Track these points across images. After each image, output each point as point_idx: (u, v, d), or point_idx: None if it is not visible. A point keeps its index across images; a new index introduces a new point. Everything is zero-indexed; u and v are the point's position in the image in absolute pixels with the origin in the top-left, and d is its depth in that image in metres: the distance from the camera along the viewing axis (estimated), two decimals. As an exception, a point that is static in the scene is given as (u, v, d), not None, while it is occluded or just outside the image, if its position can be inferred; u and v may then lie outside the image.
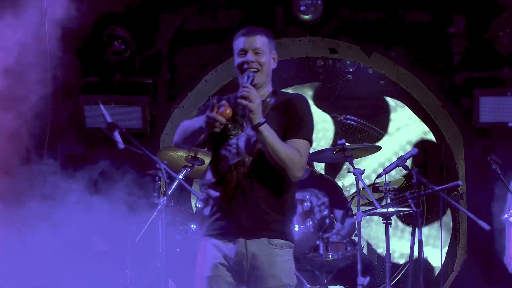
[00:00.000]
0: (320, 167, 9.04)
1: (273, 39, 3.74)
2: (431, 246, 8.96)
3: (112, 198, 6.41)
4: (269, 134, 3.45)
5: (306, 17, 7.18)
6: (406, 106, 9.02)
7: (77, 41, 6.92)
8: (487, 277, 6.77)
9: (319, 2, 7.13)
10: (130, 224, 6.10)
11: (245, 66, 3.59)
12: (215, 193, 3.56)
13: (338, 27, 7.33)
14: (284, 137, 3.54)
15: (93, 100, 5.91)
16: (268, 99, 3.65)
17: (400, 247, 9.08)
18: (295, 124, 3.57)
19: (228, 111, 3.42)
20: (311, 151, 4.40)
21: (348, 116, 9.43)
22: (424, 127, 8.98)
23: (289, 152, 3.49)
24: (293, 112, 3.59)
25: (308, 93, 9.31)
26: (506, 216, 5.27)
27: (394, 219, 8.14)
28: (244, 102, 3.41)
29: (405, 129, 9.42)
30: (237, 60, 3.64)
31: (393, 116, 9.44)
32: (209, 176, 3.56)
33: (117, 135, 5.05)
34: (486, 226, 4.84)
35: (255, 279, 3.54)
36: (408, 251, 5.53)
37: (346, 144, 5.84)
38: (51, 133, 6.77)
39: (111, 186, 6.81)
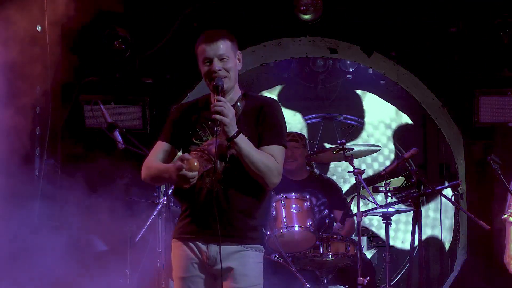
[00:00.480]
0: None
1: (235, 39, 3.70)
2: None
3: (112, 198, 6.41)
4: (245, 144, 3.46)
5: (306, 17, 7.18)
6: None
7: (77, 41, 6.91)
8: (487, 277, 6.77)
9: (319, 2, 7.13)
10: (130, 224, 6.10)
11: (213, 74, 3.57)
12: (187, 199, 3.57)
13: (338, 27, 7.33)
14: (258, 142, 3.55)
15: (93, 100, 5.91)
16: (238, 103, 3.63)
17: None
18: (269, 130, 3.57)
19: (195, 164, 3.37)
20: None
21: (348, 116, 9.44)
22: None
23: (265, 160, 3.49)
24: (266, 119, 3.58)
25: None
26: (506, 216, 5.28)
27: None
28: (218, 117, 3.40)
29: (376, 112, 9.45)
30: (204, 68, 3.62)
31: (365, 103, 9.47)
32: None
33: (117, 135, 5.05)
34: (486, 226, 4.84)
35: (228, 279, 3.54)
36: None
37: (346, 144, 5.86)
38: (51, 133, 6.77)
39: (111, 186, 6.81)
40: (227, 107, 3.43)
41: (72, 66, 6.77)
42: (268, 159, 3.50)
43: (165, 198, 5.56)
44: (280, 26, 7.32)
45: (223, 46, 3.59)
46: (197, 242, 3.56)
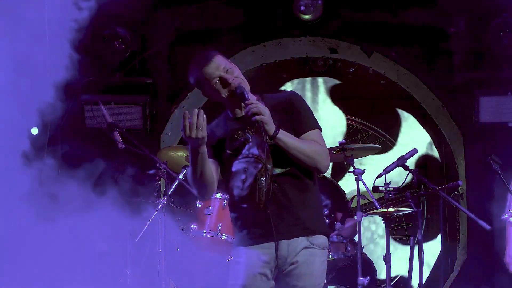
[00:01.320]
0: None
1: (220, 52, 3.66)
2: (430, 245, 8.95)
3: (112, 198, 6.41)
4: (288, 138, 3.47)
5: (306, 17, 7.19)
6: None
7: (77, 41, 6.91)
8: (487, 277, 6.77)
9: (319, 2, 7.13)
10: (130, 224, 6.10)
11: (231, 86, 3.53)
12: (246, 205, 3.52)
13: (338, 27, 7.33)
14: (294, 134, 3.54)
15: (93, 100, 5.92)
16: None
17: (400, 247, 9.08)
18: (303, 118, 3.57)
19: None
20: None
21: (348, 116, 9.43)
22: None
23: (312, 146, 3.50)
24: (295, 109, 3.58)
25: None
26: (506, 216, 5.28)
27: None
28: (258, 117, 3.39)
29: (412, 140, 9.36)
30: (218, 88, 3.56)
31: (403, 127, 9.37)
32: (236, 192, 3.51)
33: (117, 135, 5.05)
34: (486, 226, 4.84)
35: (291, 276, 3.52)
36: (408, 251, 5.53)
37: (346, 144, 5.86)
38: (51, 133, 6.78)
39: (111, 186, 6.81)
40: (262, 107, 3.42)
41: (72, 66, 6.77)
42: (314, 145, 3.51)
43: (165, 198, 5.56)
44: (280, 26, 7.33)
45: (220, 60, 3.58)
46: (264, 245, 3.52)
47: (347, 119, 9.42)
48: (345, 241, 5.81)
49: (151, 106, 7.25)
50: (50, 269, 5.88)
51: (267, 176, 3.44)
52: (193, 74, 3.61)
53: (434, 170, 9.05)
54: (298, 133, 3.55)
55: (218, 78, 3.55)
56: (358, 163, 7.61)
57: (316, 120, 3.64)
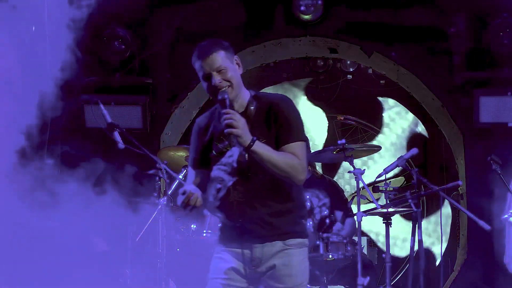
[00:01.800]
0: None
1: (229, 46, 3.64)
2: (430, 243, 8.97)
3: (112, 198, 6.41)
4: (263, 150, 3.44)
5: (306, 17, 7.18)
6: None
7: (77, 41, 6.91)
8: (487, 277, 6.77)
9: (319, 2, 7.13)
10: (130, 224, 6.10)
11: (215, 89, 3.53)
12: (221, 214, 3.56)
13: (338, 27, 7.33)
14: (276, 142, 3.52)
15: (93, 100, 5.91)
16: (250, 107, 3.59)
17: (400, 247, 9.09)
18: (286, 129, 3.54)
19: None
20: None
21: (348, 116, 9.44)
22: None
23: (287, 160, 3.47)
24: (280, 117, 3.54)
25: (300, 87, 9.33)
26: (506, 216, 5.28)
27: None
28: (229, 130, 3.38)
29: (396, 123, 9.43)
30: (204, 84, 3.58)
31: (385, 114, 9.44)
32: (211, 199, 3.50)
33: (117, 135, 5.05)
34: (486, 226, 4.84)
35: (271, 279, 3.56)
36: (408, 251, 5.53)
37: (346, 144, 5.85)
38: (51, 133, 6.77)
39: (111, 186, 6.81)
40: (236, 119, 3.40)
41: (72, 66, 6.77)
42: (290, 159, 3.48)
43: (165, 198, 5.56)
44: (280, 26, 7.32)
45: (218, 58, 3.54)
46: (240, 247, 3.56)
47: (347, 119, 9.43)
48: (345, 241, 5.81)
49: (151, 106, 7.25)
50: (50, 269, 5.87)
51: (241, 190, 3.49)
52: (192, 60, 3.62)
53: (434, 170, 9.06)
54: (280, 143, 3.52)
55: (207, 75, 3.54)
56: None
57: (301, 131, 3.60)
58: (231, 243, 3.59)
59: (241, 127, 3.39)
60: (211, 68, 3.53)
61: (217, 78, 3.52)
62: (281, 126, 3.53)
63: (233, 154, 3.43)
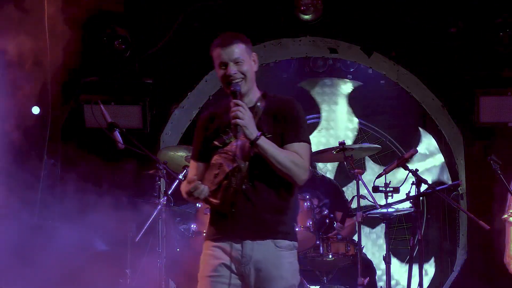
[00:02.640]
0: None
1: (249, 42, 3.71)
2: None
3: (112, 198, 6.41)
4: (268, 146, 3.49)
5: (306, 17, 7.19)
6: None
7: (77, 41, 6.92)
8: (487, 277, 6.77)
9: (319, 2, 7.13)
10: (130, 224, 6.10)
11: (229, 78, 3.59)
12: (215, 201, 3.57)
13: (338, 27, 7.33)
14: (281, 141, 3.57)
15: (93, 100, 5.91)
16: (258, 103, 3.65)
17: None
18: (292, 128, 3.59)
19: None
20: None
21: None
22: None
23: (291, 157, 3.52)
24: (288, 117, 3.60)
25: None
26: (506, 216, 5.28)
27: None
28: (236, 121, 3.45)
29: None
30: (219, 72, 3.64)
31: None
32: (208, 183, 3.56)
33: (117, 135, 5.05)
34: (486, 226, 4.84)
35: (261, 281, 3.55)
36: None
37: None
38: (51, 133, 6.78)
39: (111, 186, 6.81)
40: (243, 111, 3.47)
41: (72, 66, 6.78)
42: (294, 157, 3.53)
43: (165, 198, 5.56)
44: (280, 26, 7.33)
45: (238, 50, 3.61)
46: (230, 242, 3.57)
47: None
48: (345, 241, 5.81)
49: (151, 106, 7.25)
50: (50, 269, 5.88)
51: (238, 177, 3.50)
52: (212, 47, 3.69)
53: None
54: (285, 142, 3.57)
55: (224, 64, 3.61)
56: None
57: (305, 132, 3.65)
58: (222, 236, 3.58)
59: (247, 120, 3.46)
60: (229, 57, 3.60)
61: (233, 69, 3.59)
62: (288, 125, 3.59)
63: (236, 145, 3.50)
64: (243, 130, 3.45)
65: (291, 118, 3.61)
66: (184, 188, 3.56)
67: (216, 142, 3.63)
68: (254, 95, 3.67)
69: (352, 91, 9.32)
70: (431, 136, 8.96)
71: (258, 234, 3.53)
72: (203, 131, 3.73)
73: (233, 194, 3.52)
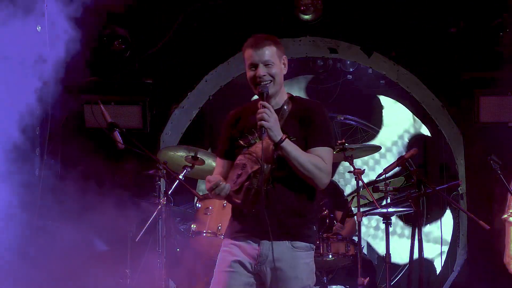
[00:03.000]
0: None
1: (280, 44, 3.76)
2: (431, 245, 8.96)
3: (112, 198, 6.41)
4: (291, 149, 3.53)
5: (306, 17, 7.19)
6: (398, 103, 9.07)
7: (77, 41, 6.91)
8: (487, 277, 6.76)
9: (319, 2, 7.13)
10: (130, 224, 6.11)
11: (258, 80, 3.63)
12: (237, 200, 3.59)
13: (338, 27, 7.34)
14: (305, 145, 3.60)
15: (93, 100, 5.91)
16: (285, 106, 3.69)
17: (400, 247, 9.09)
18: (316, 132, 3.63)
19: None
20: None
21: (348, 116, 9.44)
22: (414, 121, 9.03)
23: (314, 161, 3.55)
24: (313, 121, 3.64)
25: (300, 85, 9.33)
26: (506, 216, 5.28)
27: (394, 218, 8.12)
28: (261, 123, 3.49)
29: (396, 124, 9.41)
30: (249, 73, 3.69)
31: (385, 112, 9.42)
32: (230, 183, 3.59)
33: (117, 135, 5.05)
34: (486, 226, 4.84)
35: (277, 281, 3.58)
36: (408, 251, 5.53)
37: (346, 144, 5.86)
38: (51, 133, 6.77)
39: (111, 186, 6.81)
40: (269, 113, 3.51)
41: (72, 66, 6.77)
42: (316, 161, 3.56)
43: (165, 198, 5.56)
44: (280, 26, 7.32)
45: (269, 52, 3.66)
46: (249, 240, 3.61)
47: (347, 119, 9.43)
48: (345, 241, 5.81)
49: (151, 106, 7.25)
50: (50, 269, 5.88)
51: (260, 178, 3.51)
52: (243, 48, 3.74)
53: (434, 170, 9.06)
54: (309, 146, 3.60)
55: (254, 65, 3.65)
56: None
57: (330, 137, 3.69)
58: (240, 235, 3.62)
59: (272, 122, 3.50)
60: (260, 59, 3.64)
61: (262, 71, 3.64)
62: (314, 129, 3.63)
63: (260, 147, 3.54)
64: (267, 132, 3.49)
65: (316, 122, 3.64)
66: (206, 184, 3.59)
67: (241, 142, 3.67)
68: (281, 97, 3.72)
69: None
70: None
71: (276, 235, 3.55)
72: (230, 129, 3.78)
73: (254, 195, 3.54)
